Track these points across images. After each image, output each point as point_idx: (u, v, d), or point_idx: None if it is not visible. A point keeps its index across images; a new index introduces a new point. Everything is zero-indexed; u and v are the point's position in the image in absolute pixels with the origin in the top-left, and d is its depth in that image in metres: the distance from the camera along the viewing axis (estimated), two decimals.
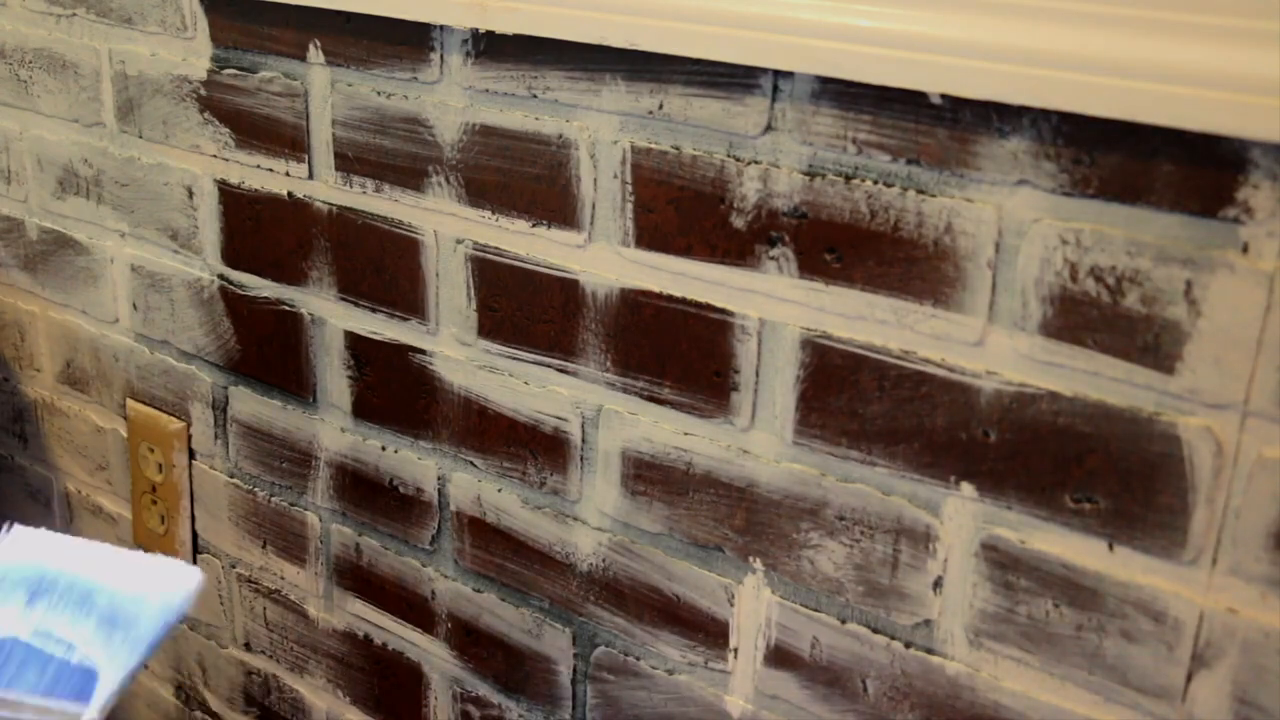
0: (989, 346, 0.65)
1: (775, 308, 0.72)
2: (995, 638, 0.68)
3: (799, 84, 0.68)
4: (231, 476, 1.08)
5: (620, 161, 0.76)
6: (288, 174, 0.95)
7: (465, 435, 0.90)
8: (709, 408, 0.77)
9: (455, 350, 0.89)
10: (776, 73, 0.69)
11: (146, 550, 1.18)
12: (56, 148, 1.13)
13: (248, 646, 1.12)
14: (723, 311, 0.74)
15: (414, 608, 0.97)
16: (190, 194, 1.03)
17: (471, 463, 0.90)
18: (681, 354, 0.77)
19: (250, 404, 1.04)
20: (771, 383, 0.74)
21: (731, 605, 0.79)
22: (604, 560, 0.84)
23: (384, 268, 0.91)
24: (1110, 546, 0.63)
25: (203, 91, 0.99)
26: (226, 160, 0.99)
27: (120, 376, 1.15)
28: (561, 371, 0.83)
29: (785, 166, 0.70)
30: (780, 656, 0.77)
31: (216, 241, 1.02)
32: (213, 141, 0.99)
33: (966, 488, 0.68)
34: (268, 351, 1.01)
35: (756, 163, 0.71)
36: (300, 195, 0.95)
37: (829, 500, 0.73)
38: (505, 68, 0.80)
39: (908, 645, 0.72)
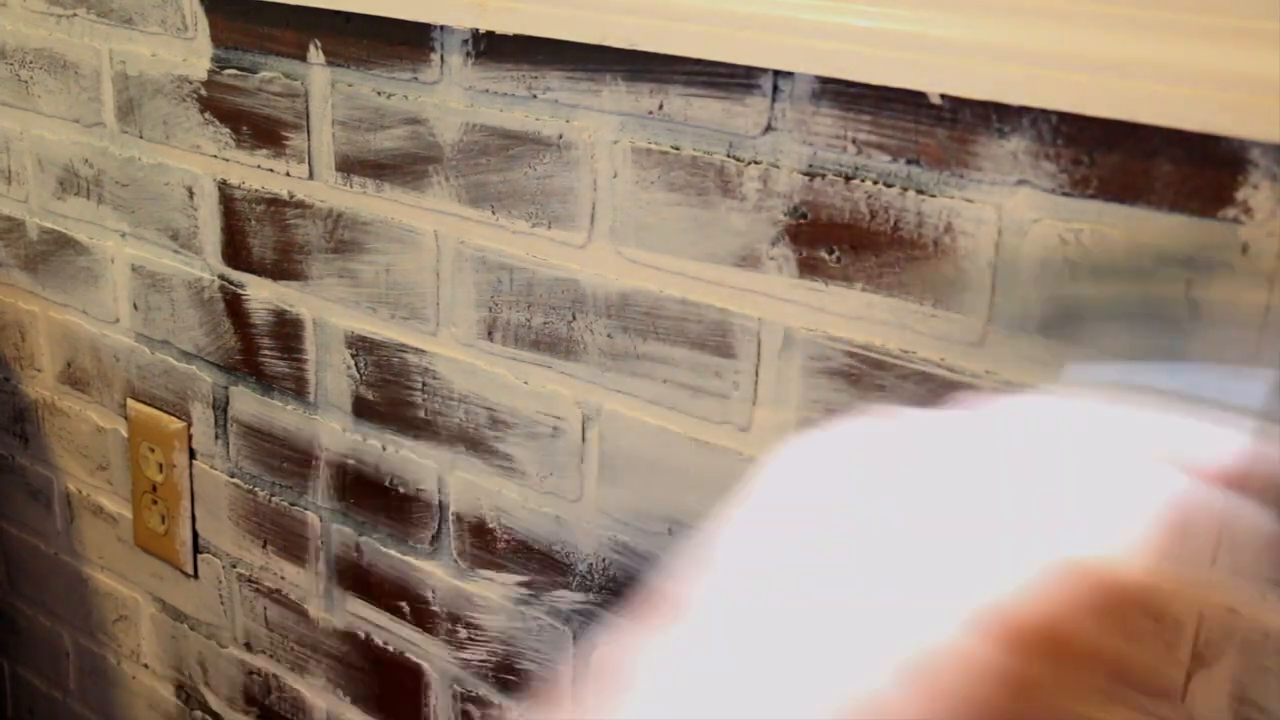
0: (989, 346, 0.65)
1: (775, 307, 0.72)
2: None
3: (799, 84, 0.68)
4: (232, 476, 1.08)
5: (620, 161, 0.76)
6: (288, 174, 0.95)
7: (465, 435, 0.90)
8: (710, 408, 0.77)
9: (455, 350, 0.89)
10: (776, 73, 0.69)
11: (147, 551, 1.18)
12: (57, 148, 1.13)
13: (248, 646, 1.12)
14: (722, 311, 0.74)
15: (414, 607, 0.97)
16: (190, 194, 1.03)
17: (472, 462, 0.90)
18: (681, 354, 0.77)
19: (251, 404, 1.04)
20: (771, 382, 0.74)
21: None
22: (604, 560, 0.84)
23: (384, 268, 0.91)
24: None
25: (203, 92, 0.99)
26: (227, 160, 0.99)
27: (121, 376, 1.15)
28: (562, 371, 0.83)
29: (785, 166, 0.70)
30: None
31: (217, 241, 1.02)
32: (213, 141, 0.99)
33: None
34: (268, 351, 1.01)
35: (756, 163, 0.71)
36: (300, 195, 0.95)
37: None
38: (505, 68, 0.80)
39: None
